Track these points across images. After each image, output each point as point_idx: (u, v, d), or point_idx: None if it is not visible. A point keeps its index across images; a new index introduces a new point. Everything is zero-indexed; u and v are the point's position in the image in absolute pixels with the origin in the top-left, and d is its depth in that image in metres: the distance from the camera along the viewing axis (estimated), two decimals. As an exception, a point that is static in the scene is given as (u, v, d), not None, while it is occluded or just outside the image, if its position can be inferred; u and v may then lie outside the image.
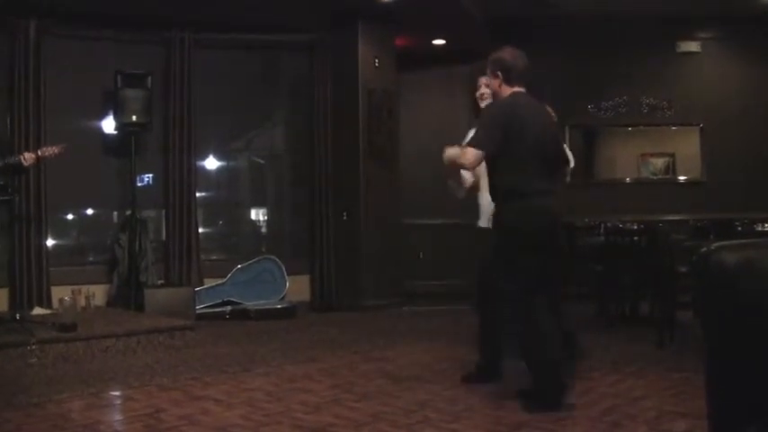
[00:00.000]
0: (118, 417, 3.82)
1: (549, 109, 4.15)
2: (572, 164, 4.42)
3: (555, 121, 4.21)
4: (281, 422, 3.51)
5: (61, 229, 7.72)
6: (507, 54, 3.86)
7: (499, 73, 3.83)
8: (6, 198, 5.62)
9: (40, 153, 5.59)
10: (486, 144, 3.67)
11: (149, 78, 7.05)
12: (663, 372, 4.44)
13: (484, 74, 4.14)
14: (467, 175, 4.26)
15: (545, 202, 3.71)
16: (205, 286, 7.38)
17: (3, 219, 6.72)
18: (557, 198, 3.79)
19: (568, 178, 4.66)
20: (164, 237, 7.52)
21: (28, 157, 5.51)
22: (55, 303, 6.47)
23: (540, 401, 3.59)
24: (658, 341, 5.21)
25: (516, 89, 3.82)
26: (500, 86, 3.85)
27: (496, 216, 3.85)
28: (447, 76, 8.72)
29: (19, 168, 5.62)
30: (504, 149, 3.66)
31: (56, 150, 5.64)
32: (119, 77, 6.88)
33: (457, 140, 4.21)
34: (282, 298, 7.51)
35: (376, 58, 7.75)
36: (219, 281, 7.43)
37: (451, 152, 3.83)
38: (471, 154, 3.67)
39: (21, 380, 4.44)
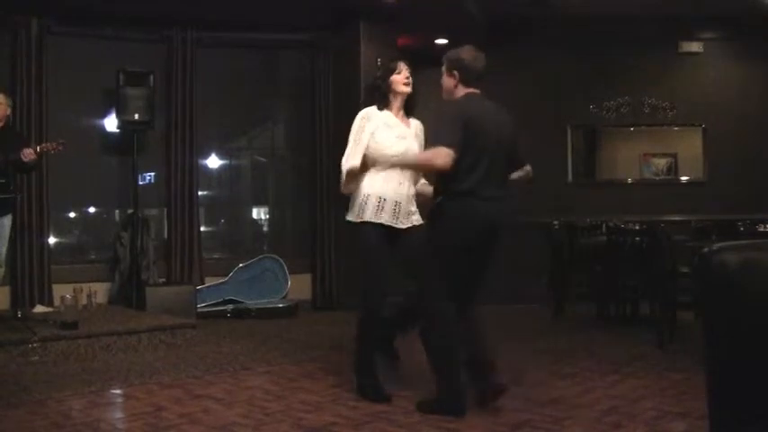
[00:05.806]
0: (119, 415, 3.82)
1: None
2: (528, 167, 3.98)
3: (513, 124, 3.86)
4: (282, 421, 3.52)
5: (63, 227, 7.74)
6: (466, 53, 3.69)
7: (456, 73, 3.68)
8: (8, 196, 5.57)
9: (38, 149, 5.51)
10: (454, 141, 3.47)
11: (151, 77, 7.06)
12: (663, 372, 4.44)
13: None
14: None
15: (487, 208, 3.53)
16: (206, 285, 7.39)
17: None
18: (502, 204, 3.61)
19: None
20: (165, 235, 7.54)
21: (27, 154, 5.35)
22: (56, 301, 6.49)
23: (440, 407, 3.57)
24: (658, 341, 5.21)
25: (471, 90, 3.68)
26: (455, 86, 3.70)
27: (433, 215, 3.64)
28: (449, 75, 8.68)
29: (21, 165, 5.48)
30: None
31: (54, 145, 5.55)
32: (121, 76, 6.89)
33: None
34: (284, 297, 7.51)
35: (378, 57, 7.73)
36: (221, 279, 7.44)
37: (425, 155, 3.64)
38: (446, 154, 3.44)
39: (22, 378, 4.45)
